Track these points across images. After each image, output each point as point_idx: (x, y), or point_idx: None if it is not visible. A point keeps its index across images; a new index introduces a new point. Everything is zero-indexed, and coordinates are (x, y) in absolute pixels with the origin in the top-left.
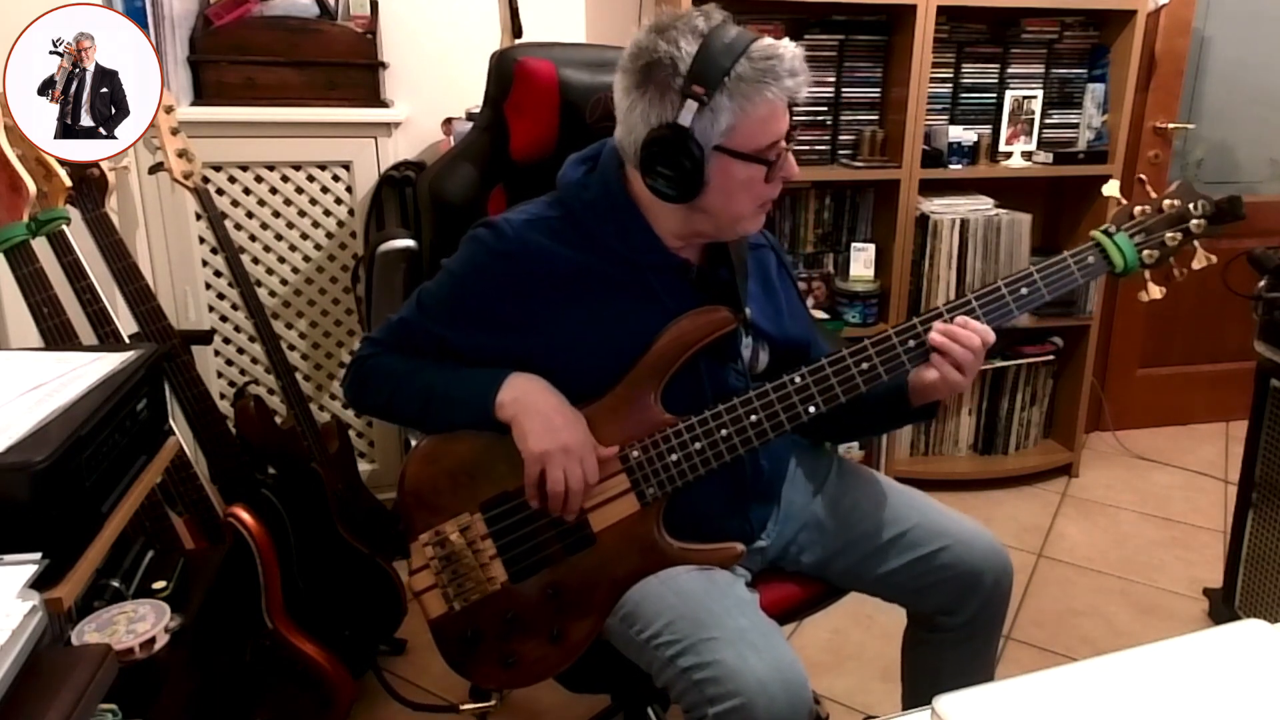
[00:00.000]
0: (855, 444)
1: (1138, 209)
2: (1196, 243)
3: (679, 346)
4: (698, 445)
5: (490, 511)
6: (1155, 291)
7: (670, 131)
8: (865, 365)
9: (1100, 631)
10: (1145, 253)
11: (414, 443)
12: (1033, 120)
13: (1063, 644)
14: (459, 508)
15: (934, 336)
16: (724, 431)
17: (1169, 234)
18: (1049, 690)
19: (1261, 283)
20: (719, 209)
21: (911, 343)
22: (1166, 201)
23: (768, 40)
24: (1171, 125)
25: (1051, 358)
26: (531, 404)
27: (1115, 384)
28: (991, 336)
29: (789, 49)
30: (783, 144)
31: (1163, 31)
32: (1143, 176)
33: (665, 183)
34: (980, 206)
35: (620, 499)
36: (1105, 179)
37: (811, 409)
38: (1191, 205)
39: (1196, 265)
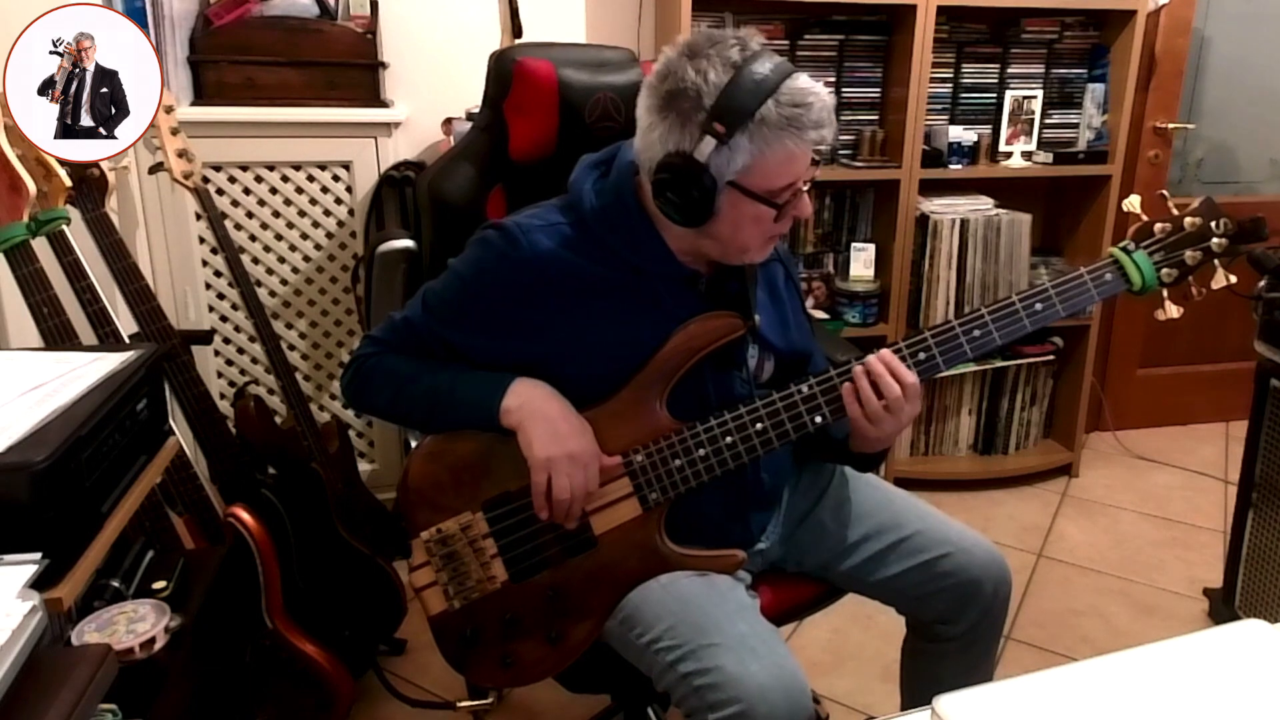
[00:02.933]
0: None
1: (1158, 225)
2: (1217, 261)
3: (686, 351)
4: (702, 452)
5: (492, 511)
6: (1173, 311)
7: (685, 161)
8: None
9: (1100, 631)
10: (1164, 271)
11: (414, 443)
12: (1033, 120)
13: (1063, 644)
14: (461, 506)
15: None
16: (729, 439)
17: (1189, 252)
18: (1049, 690)
19: (1261, 283)
20: (726, 238)
21: (922, 355)
22: (1188, 219)
23: (800, 83)
24: (1171, 125)
25: (1051, 358)
26: (537, 410)
27: (1115, 384)
28: (895, 392)
29: (819, 96)
30: (800, 185)
31: (1163, 31)
32: (1165, 193)
33: (673, 208)
34: (980, 206)
35: (622, 503)
36: (1106, 179)
37: (818, 418)
38: (1214, 223)
39: (1216, 285)
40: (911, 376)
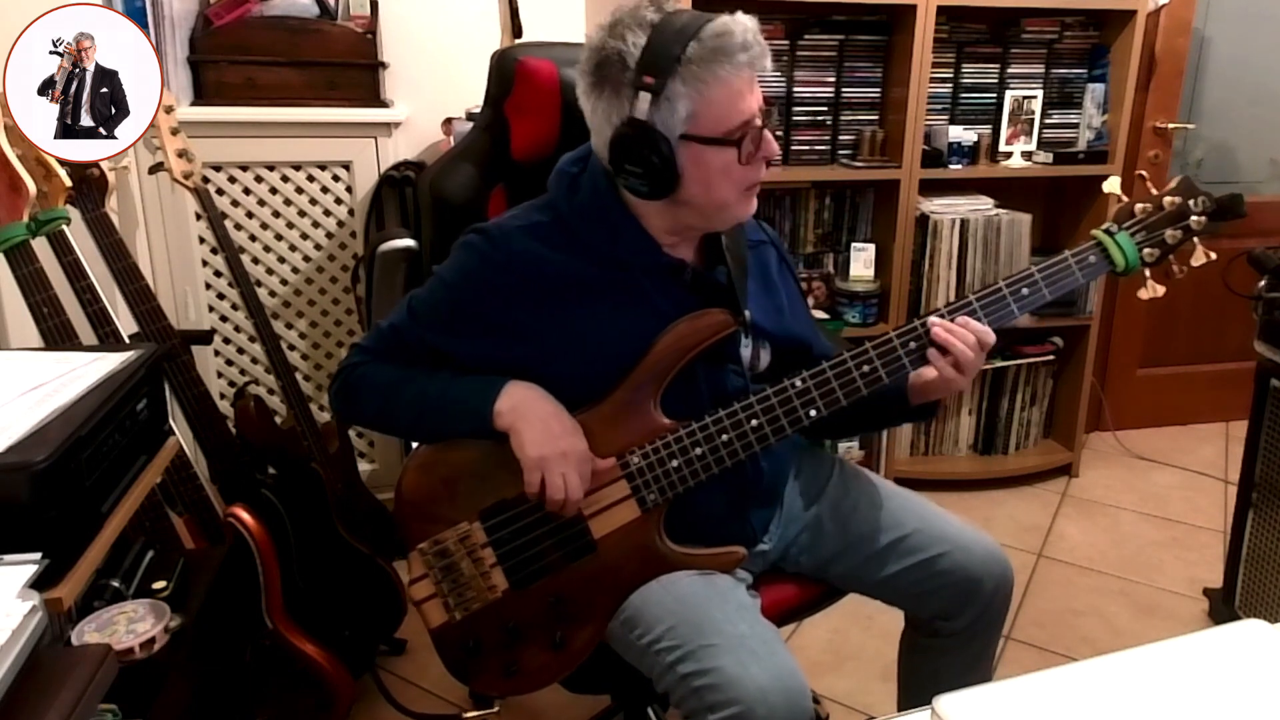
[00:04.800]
0: (855, 444)
1: (1139, 206)
2: (1197, 239)
3: (677, 351)
4: (698, 451)
5: (489, 520)
6: (1156, 289)
7: (631, 128)
8: (866, 368)
9: (1100, 631)
10: (1146, 251)
11: (414, 446)
12: (1033, 120)
13: (1063, 644)
14: (458, 516)
15: (936, 332)
16: (724, 436)
17: (1169, 231)
18: (1049, 690)
19: (1261, 283)
20: (701, 199)
21: (913, 344)
22: (1167, 198)
23: (721, 19)
24: (1171, 125)
25: (1051, 358)
26: (530, 411)
27: (1115, 384)
28: (991, 337)
29: (740, 24)
30: (756, 122)
31: (1163, 31)
32: (1143, 173)
33: (638, 180)
34: (980, 206)
35: (620, 505)
36: (1105, 179)
37: (813, 412)
38: (1192, 201)
39: (1196, 262)
40: (990, 334)
